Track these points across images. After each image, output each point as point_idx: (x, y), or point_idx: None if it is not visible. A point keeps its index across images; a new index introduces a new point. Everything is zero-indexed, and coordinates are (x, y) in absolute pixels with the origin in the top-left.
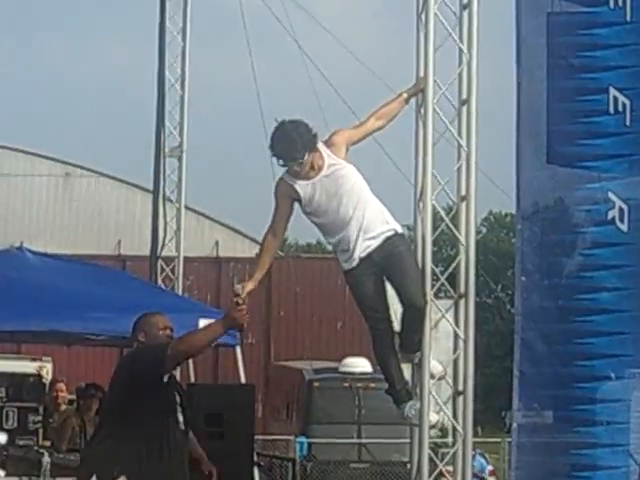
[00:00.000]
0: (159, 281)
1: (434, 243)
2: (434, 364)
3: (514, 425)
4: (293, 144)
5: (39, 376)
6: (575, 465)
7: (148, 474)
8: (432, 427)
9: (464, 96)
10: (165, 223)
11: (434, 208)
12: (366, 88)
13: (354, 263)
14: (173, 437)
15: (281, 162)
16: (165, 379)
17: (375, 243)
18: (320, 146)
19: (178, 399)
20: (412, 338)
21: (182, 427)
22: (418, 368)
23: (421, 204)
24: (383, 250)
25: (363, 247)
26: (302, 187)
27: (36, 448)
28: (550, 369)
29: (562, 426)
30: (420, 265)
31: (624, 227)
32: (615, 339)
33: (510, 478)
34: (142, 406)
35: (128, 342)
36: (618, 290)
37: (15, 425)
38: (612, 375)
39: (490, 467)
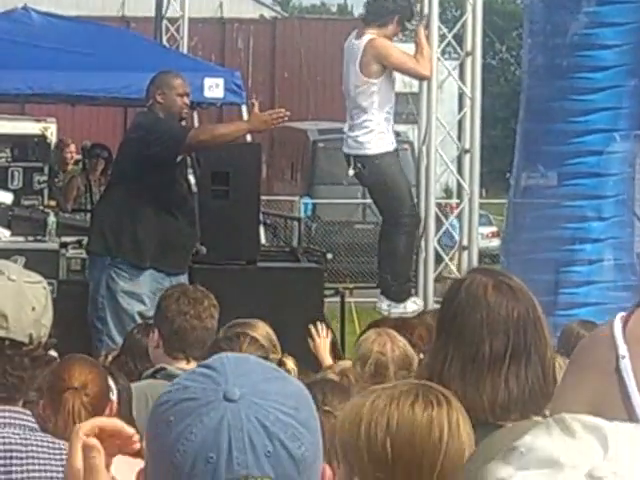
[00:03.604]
0: (164, 41)
1: (439, 4)
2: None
3: (511, 183)
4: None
5: (43, 137)
6: (568, 216)
7: (160, 229)
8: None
9: None
10: None
11: None
12: None
13: None
14: (183, 198)
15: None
16: (179, 159)
17: None
18: None
19: (189, 161)
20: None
21: (194, 189)
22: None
23: None
24: None
25: None
26: None
27: (41, 208)
28: (552, 126)
29: (560, 182)
30: (426, 23)
31: None
32: (613, 92)
33: (505, 240)
34: (155, 173)
35: (138, 101)
36: (619, 47)
37: (20, 185)
38: (615, 136)
39: (494, 228)
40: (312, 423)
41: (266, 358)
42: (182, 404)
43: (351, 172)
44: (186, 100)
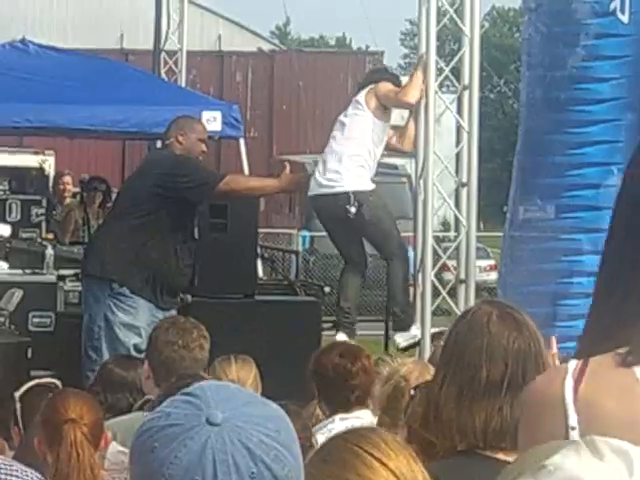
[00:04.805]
0: (162, 74)
1: (436, 37)
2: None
3: (508, 216)
4: None
5: (41, 169)
6: (565, 249)
7: (159, 267)
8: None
9: None
10: (168, 15)
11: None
12: None
13: None
14: (189, 239)
15: None
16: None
17: None
18: None
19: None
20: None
21: (195, 235)
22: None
23: None
24: None
25: None
26: None
27: (39, 240)
28: (549, 158)
29: (557, 215)
30: (425, 56)
31: (625, 18)
32: (610, 125)
33: (502, 273)
34: (168, 214)
35: (136, 135)
36: (616, 80)
37: (18, 218)
38: (612, 169)
39: (492, 261)
40: (293, 446)
41: None
42: (165, 430)
43: (353, 210)
44: (204, 147)
